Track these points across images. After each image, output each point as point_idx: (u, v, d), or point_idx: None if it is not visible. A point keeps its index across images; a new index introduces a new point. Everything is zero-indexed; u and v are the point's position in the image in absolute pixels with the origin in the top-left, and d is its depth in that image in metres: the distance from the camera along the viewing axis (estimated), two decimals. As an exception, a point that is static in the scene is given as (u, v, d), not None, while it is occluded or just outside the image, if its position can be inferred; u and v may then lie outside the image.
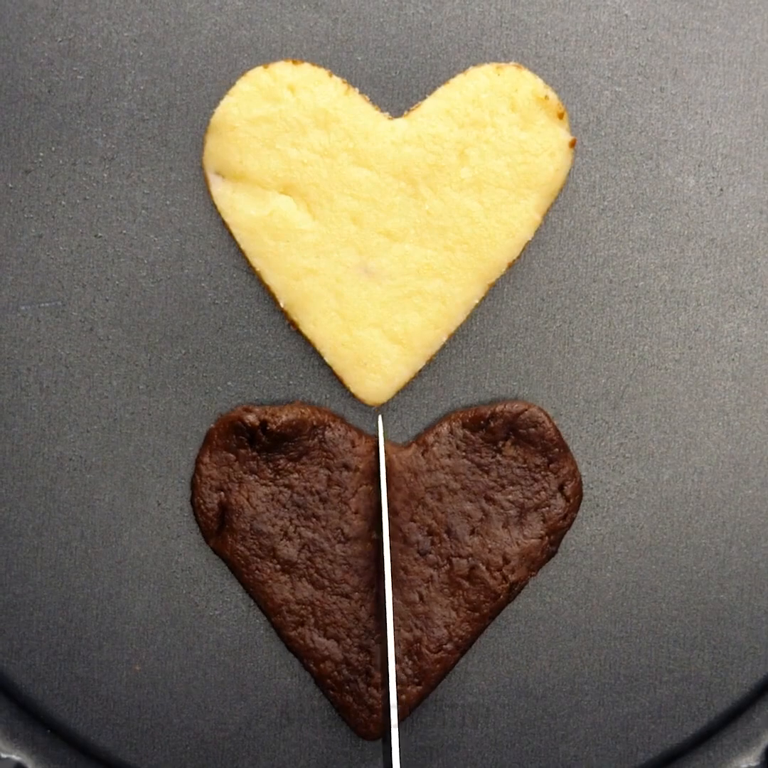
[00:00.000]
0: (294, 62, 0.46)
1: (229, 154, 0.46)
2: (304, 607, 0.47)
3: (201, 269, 0.47)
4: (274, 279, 0.46)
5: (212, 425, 0.47)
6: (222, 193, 0.46)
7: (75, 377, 0.47)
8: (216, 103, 0.46)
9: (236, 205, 0.46)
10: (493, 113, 0.46)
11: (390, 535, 0.46)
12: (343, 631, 0.47)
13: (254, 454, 0.46)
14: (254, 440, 0.46)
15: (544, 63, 0.47)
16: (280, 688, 0.48)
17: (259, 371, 0.47)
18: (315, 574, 0.47)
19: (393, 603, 0.46)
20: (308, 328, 0.47)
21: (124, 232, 0.47)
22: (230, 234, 0.47)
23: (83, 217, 0.47)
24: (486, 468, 0.47)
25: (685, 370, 0.48)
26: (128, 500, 0.47)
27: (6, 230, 0.47)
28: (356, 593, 0.47)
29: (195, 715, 0.47)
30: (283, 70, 0.46)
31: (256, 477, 0.47)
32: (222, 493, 0.47)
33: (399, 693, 0.46)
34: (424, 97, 0.47)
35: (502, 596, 0.47)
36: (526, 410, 0.47)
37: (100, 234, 0.47)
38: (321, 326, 0.47)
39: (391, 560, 0.46)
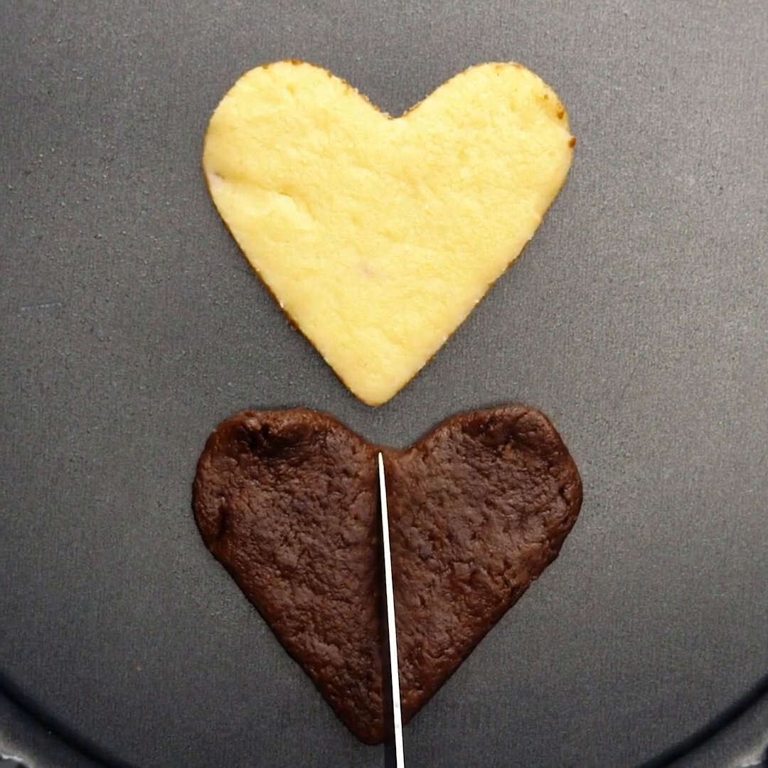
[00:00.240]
0: (293, 62, 0.46)
1: (229, 155, 0.46)
2: (304, 612, 0.46)
3: (201, 270, 0.47)
4: (274, 279, 0.46)
5: (214, 429, 0.47)
6: (222, 193, 0.46)
7: (75, 378, 0.47)
8: (215, 104, 0.46)
9: (236, 205, 0.46)
10: (492, 113, 0.46)
11: (391, 540, 0.46)
12: (343, 635, 0.46)
13: (255, 458, 0.46)
14: (256, 445, 0.46)
15: (544, 62, 0.47)
16: (282, 689, 0.48)
17: (259, 372, 0.47)
18: (315, 580, 0.46)
19: (394, 607, 0.46)
20: (308, 329, 0.47)
21: (124, 232, 0.47)
22: (230, 234, 0.47)
23: (83, 218, 0.47)
24: (486, 472, 0.47)
25: (686, 369, 0.48)
26: (129, 501, 0.47)
27: (6, 231, 0.47)
28: (356, 597, 0.46)
29: (196, 716, 0.47)
30: (282, 70, 0.46)
31: (257, 482, 0.46)
32: (223, 498, 0.47)
33: (400, 697, 0.46)
34: (424, 97, 0.47)
35: (503, 600, 0.47)
36: (525, 414, 0.47)
37: (100, 235, 0.47)
38: (321, 326, 0.46)
39: (392, 565, 0.46)
